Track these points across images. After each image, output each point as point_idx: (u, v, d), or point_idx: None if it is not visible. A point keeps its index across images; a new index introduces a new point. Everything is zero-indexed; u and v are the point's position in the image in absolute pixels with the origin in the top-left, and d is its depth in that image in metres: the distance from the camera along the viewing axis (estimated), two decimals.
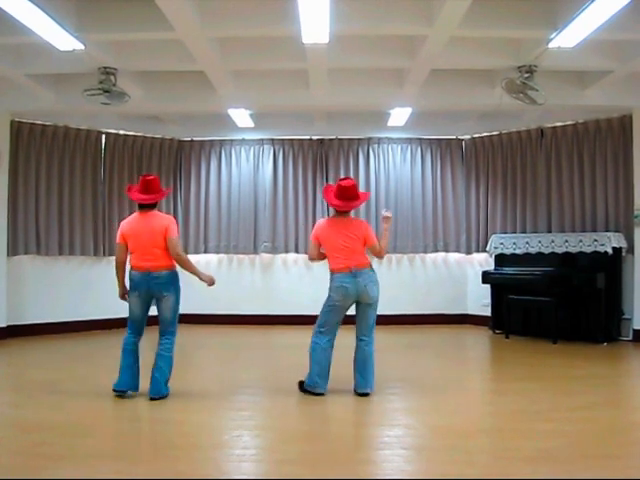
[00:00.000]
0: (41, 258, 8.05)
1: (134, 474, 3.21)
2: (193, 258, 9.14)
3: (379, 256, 4.97)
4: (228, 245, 9.17)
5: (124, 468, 3.31)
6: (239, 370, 6.07)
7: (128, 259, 4.85)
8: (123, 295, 4.91)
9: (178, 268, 4.87)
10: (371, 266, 4.86)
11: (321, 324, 4.87)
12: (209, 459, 3.53)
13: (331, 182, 8.93)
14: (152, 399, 4.63)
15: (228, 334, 8.39)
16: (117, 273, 4.85)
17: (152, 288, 4.74)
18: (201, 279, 4.88)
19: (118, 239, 4.87)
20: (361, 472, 3.32)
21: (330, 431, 4.17)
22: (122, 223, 4.96)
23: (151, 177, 4.95)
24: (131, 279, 4.80)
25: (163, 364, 4.73)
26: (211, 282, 4.90)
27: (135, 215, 4.91)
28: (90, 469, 3.30)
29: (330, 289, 4.84)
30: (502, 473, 3.22)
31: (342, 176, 8.99)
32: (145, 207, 4.85)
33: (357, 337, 4.88)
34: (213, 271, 9.18)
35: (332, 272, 4.84)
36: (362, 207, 8.98)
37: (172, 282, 4.80)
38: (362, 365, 4.83)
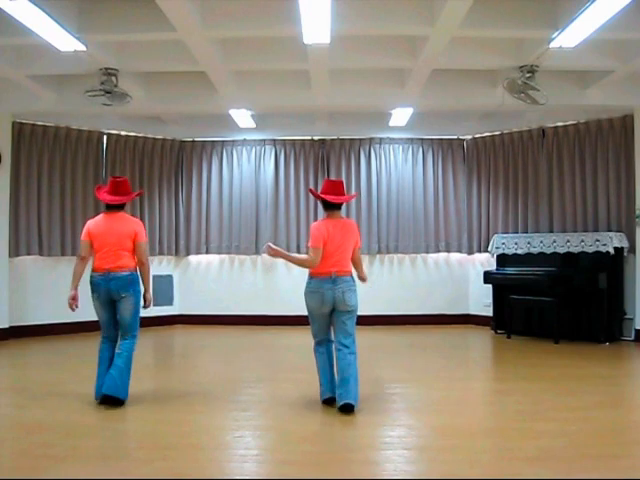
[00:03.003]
0: (43, 259, 8.07)
1: (136, 474, 3.22)
2: (194, 258, 9.27)
3: (355, 260, 4.77)
4: (230, 246, 9.18)
5: (126, 468, 3.32)
6: (241, 371, 6.07)
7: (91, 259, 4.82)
8: (73, 297, 4.79)
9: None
10: (352, 274, 4.69)
11: (314, 334, 4.73)
12: (211, 460, 3.53)
13: None
14: (105, 396, 4.53)
15: (230, 335, 8.39)
16: (75, 272, 4.77)
17: (111, 288, 4.68)
18: (145, 293, 4.85)
19: (83, 236, 4.81)
20: (363, 472, 3.33)
21: (332, 432, 4.17)
22: (89, 222, 4.91)
23: (121, 179, 4.94)
24: (91, 282, 4.76)
25: (121, 362, 4.67)
26: (148, 304, 4.88)
27: (102, 215, 4.88)
28: (92, 469, 3.31)
29: (305, 294, 4.62)
30: (504, 473, 3.22)
31: (343, 176, 9.08)
32: (113, 208, 4.82)
33: (337, 345, 4.61)
34: (215, 272, 9.30)
35: (311, 275, 4.62)
36: (364, 208, 9.03)
37: (131, 283, 4.73)
38: (343, 374, 4.49)
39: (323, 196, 4.69)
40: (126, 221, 4.83)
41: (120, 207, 4.86)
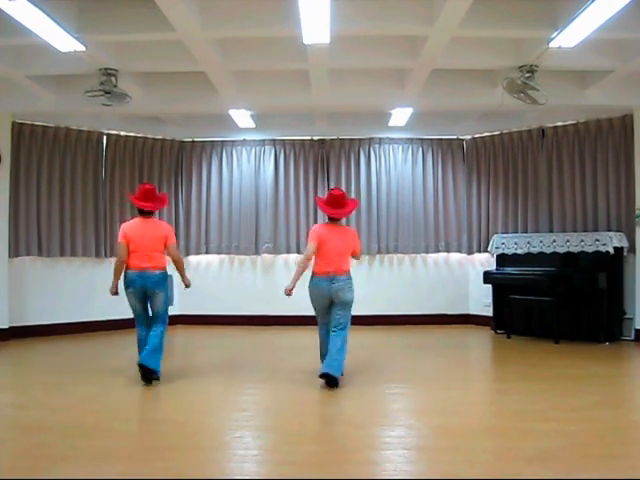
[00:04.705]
0: (43, 259, 8.06)
1: (136, 475, 3.22)
2: (194, 259, 9.27)
3: (358, 258, 5.66)
4: (229, 246, 9.18)
5: (126, 469, 3.32)
6: (241, 371, 6.07)
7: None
8: (115, 292, 5.44)
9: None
10: (349, 273, 5.38)
11: (318, 321, 5.52)
12: (211, 460, 3.53)
13: (332, 183, 9.01)
14: (142, 365, 5.15)
15: (230, 335, 8.39)
16: (117, 270, 5.38)
17: (146, 286, 5.31)
18: (184, 279, 5.67)
19: (121, 239, 5.36)
20: (363, 472, 3.33)
21: (332, 432, 4.17)
22: (124, 225, 5.49)
23: (151, 185, 5.61)
24: (128, 278, 5.31)
25: (156, 341, 5.29)
26: (188, 284, 5.74)
27: (137, 220, 5.49)
28: (93, 470, 3.31)
29: (308, 289, 5.34)
30: (504, 473, 3.22)
31: (343, 176, 9.09)
32: (145, 213, 5.45)
33: (329, 331, 5.34)
34: (214, 272, 9.31)
35: (313, 274, 5.34)
36: (363, 208, 9.04)
37: (163, 281, 5.43)
38: (331, 349, 5.21)
39: (328, 213, 5.47)
40: (158, 225, 5.53)
41: (152, 212, 5.51)
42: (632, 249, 7.34)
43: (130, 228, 5.40)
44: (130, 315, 5.53)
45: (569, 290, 7.32)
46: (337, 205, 5.46)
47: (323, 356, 5.42)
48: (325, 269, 5.27)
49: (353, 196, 8.97)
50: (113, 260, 8.36)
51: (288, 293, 5.30)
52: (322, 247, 5.32)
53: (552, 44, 5.41)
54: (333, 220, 5.52)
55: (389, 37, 6.00)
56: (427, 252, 9.13)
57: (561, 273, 7.42)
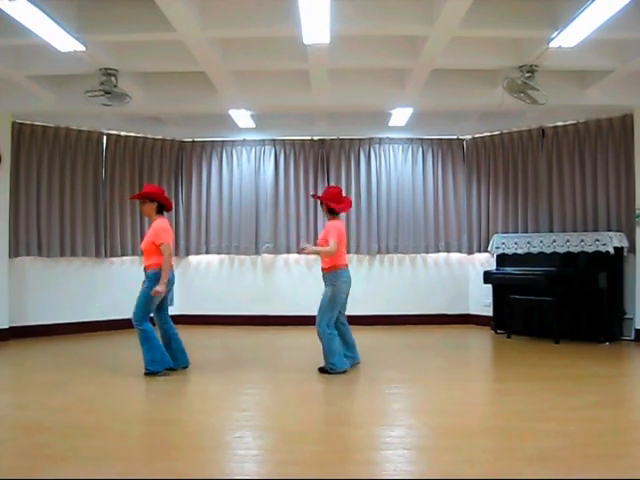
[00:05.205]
0: (43, 259, 8.06)
1: (136, 475, 3.22)
2: (194, 259, 9.28)
3: None
4: (229, 246, 9.18)
5: (127, 469, 3.32)
6: (241, 371, 6.07)
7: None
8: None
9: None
10: None
11: (330, 319, 5.67)
12: (212, 460, 3.53)
13: (332, 183, 9.00)
14: (186, 367, 5.80)
15: (230, 335, 8.39)
16: (168, 267, 5.55)
17: (172, 281, 5.74)
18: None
19: (169, 240, 5.62)
20: (363, 472, 3.33)
21: (332, 431, 4.17)
22: (165, 225, 5.70)
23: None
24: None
25: (178, 336, 5.86)
26: None
27: (165, 219, 5.78)
28: (93, 470, 3.31)
29: (337, 283, 5.65)
30: (504, 473, 3.22)
31: (343, 176, 9.10)
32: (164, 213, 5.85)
33: (340, 323, 5.85)
34: (214, 272, 9.32)
35: (339, 268, 5.67)
36: (364, 208, 9.05)
37: None
38: (353, 340, 5.93)
39: (341, 209, 5.88)
40: (169, 225, 5.88)
41: None
42: (632, 249, 7.34)
43: (170, 229, 5.75)
44: (130, 315, 5.53)
45: (569, 290, 7.32)
46: (338, 201, 5.89)
47: (344, 357, 5.73)
48: (346, 262, 5.82)
49: (353, 196, 8.99)
50: (113, 260, 8.52)
51: (301, 251, 5.88)
52: (342, 243, 5.76)
53: (552, 44, 5.41)
54: (337, 215, 5.88)
55: (389, 37, 6.00)
56: (427, 252, 9.13)
57: (561, 273, 7.42)
